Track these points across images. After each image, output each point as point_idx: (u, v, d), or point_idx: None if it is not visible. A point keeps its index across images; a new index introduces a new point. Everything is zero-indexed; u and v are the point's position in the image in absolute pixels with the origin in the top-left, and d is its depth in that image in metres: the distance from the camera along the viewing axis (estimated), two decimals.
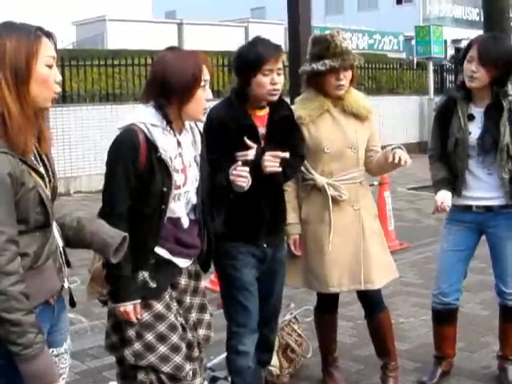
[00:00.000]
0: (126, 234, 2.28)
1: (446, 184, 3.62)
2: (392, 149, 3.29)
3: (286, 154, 3.02)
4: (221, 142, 2.95)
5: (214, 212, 3.00)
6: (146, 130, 2.54)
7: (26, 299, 1.95)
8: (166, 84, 2.56)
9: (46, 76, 2.02)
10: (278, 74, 3.05)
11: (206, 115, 3.00)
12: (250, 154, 3.00)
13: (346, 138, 3.44)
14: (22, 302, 1.94)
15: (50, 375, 2.01)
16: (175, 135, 2.65)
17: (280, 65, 3.06)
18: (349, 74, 3.38)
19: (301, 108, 3.43)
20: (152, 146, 2.54)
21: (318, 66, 3.32)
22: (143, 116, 2.59)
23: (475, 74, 3.46)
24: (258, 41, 3.09)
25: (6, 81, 1.95)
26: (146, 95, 2.65)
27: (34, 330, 1.95)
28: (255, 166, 2.96)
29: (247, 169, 2.81)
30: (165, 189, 2.56)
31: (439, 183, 3.66)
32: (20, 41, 1.98)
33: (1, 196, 1.92)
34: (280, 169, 3.01)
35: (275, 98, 3.10)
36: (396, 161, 3.20)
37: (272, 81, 3.03)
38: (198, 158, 2.75)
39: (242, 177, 2.80)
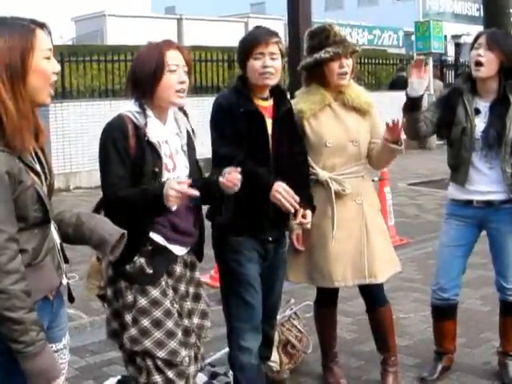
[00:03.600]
0: (125, 231, 2.28)
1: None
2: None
3: (297, 198, 2.99)
4: (230, 125, 3.00)
5: (223, 206, 3.01)
6: (132, 117, 2.64)
7: (28, 297, 1.95)
8: (135, 77, 2.67)
9: (47, 69, 1.99)
10: (272, 59, 3.05)
11: (213, 102, 3.10)
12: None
13: (347, 132, 3.43)
14: (24, 300, 1.94)
15: (52, 371, 2.01)
16: (161, 123, 2.72)
17: (272, 49, 3.05)
18: (350, 62, 3.39)
19: (302, 101, 3.42)
20: (139, 130, 2.62)
21: (321, 54, 3.33)
22: (129, 107, 2.69)
23: (482, 58, 3.43)
24: (254, 28, 3.18)
25: (1, 79, 1.92)
26: (126, 91, 2.75)
27: (35, 328, 1.95)
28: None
29: (239, 176, 2.69)
30: (156, 169, 2.62)
31: None
32: (13, 37, 1.94)
33: (0, 195, 1.90)
34: (292, 210, 3.00)
35: (269, 81, 3.08)
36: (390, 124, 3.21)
37: (263, 64, 3.03)
38: (185, 148, 2.80)
39: (233, 183, 2.70)
